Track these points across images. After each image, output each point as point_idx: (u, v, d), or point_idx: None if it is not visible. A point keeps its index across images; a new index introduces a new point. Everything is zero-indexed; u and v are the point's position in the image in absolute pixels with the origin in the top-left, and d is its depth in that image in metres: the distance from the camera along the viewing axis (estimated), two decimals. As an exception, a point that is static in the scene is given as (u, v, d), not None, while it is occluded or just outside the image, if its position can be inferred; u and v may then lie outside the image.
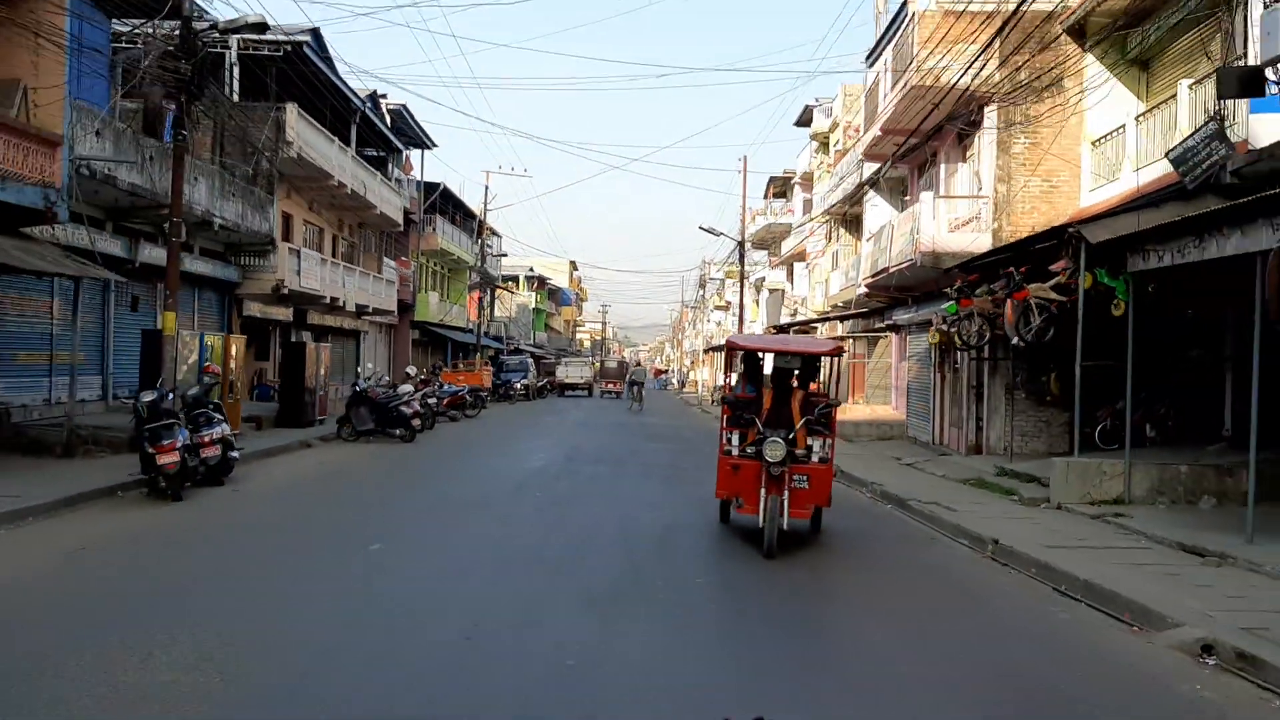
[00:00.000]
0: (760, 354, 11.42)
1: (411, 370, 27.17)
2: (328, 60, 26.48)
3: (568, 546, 9.24)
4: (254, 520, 10.55)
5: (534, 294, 75.31)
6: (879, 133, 21.82)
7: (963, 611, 7.53)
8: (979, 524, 10.63)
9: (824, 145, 38.56)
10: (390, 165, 35.94)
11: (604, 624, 6.54)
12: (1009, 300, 13.77)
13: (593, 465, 16.54)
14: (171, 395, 12.65)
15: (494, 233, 53.22)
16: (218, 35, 17.21)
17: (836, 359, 10.93)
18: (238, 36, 21.04)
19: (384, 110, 35.04)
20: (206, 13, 16.92)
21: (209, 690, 4.98)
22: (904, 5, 19.77)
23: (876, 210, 26.98)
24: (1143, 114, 15.58)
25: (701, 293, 69.76)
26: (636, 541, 9.62)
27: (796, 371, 10.47)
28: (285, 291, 24.41)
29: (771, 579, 8.16)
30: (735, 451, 9.78)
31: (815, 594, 8.03)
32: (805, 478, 9.38)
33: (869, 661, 6.10)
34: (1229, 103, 12.48)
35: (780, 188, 50.01)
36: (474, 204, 47.79)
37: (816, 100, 40.16)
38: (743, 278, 43.02)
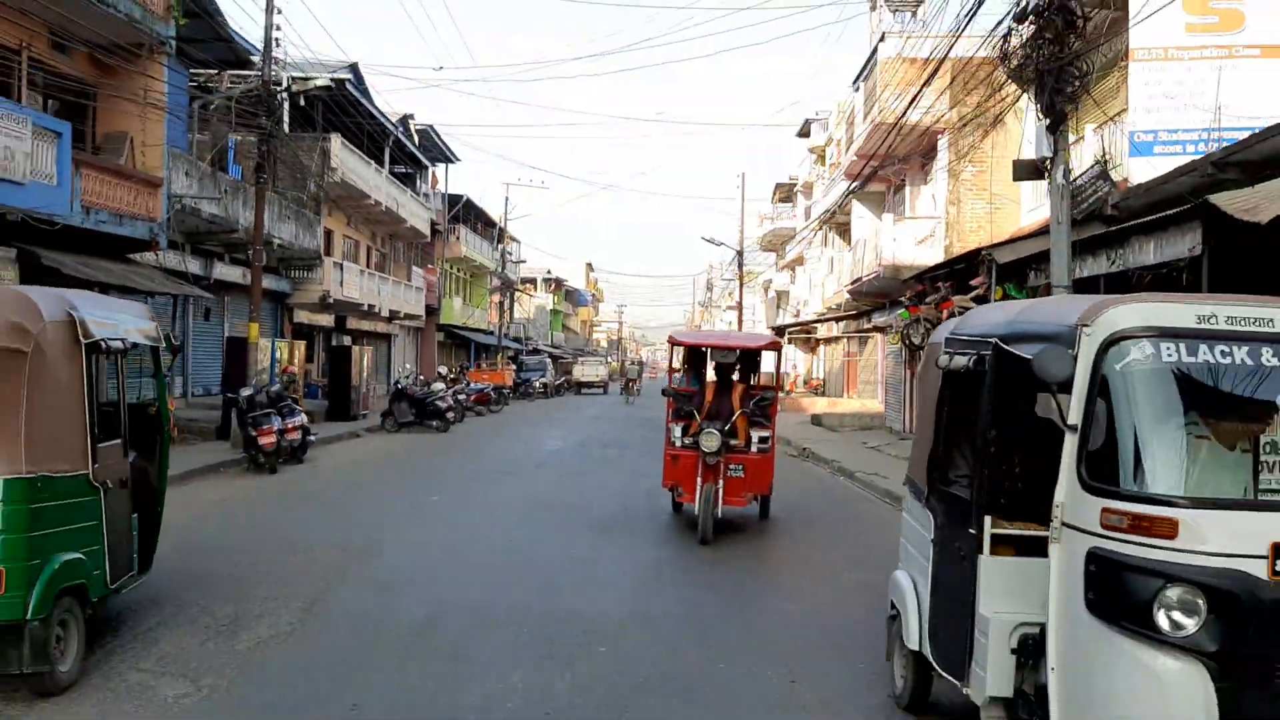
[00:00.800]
0: (703, 349, 11.73)
1: (442, 370, 30.49)
2: (364, 91, 29.78)
3: (578, 498, 12.44)
4: (339, 483, 13.81)
5: (551, 295, 78.59)
6: (854, 157, 24.91)
7: (844, 519, 10.69)
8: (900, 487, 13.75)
9: (821, 158, 41.63)
10: (418, 180, 39.30)
11: (600, 538, 9.77)
12: (940, 308, 16.86)
13: (601, 449, 19.71)
14: (260, 390, 15.92)
15: (513, 239, 56.57)
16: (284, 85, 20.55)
17: (776, 353, 12.03)
18: (289, 75, 24.41)
19: (412, 130, 38.34)
20: (281, 72, 20.15)
21: (393, 557, 8.21)
22: (874, 52, 22.85)
23: (861, 221, 30.01)
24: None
25: (709, 295, 72.93)
26: (629, 496, 12.79)
27: (738, 366, 10.96)
28: (330, 300, 27.74)
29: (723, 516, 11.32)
30: (678, 443, 10.25)
31: (751, 519, 11.12)
32: (741, 467, 9.88)
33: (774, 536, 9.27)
34: (1113, 148, 15.60)
35: (785, 193, 53.02)
36: (494, 211, 51.13)
37: (816, 113, 43.22)
38: (741, 283, 46.23)
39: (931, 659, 4.66)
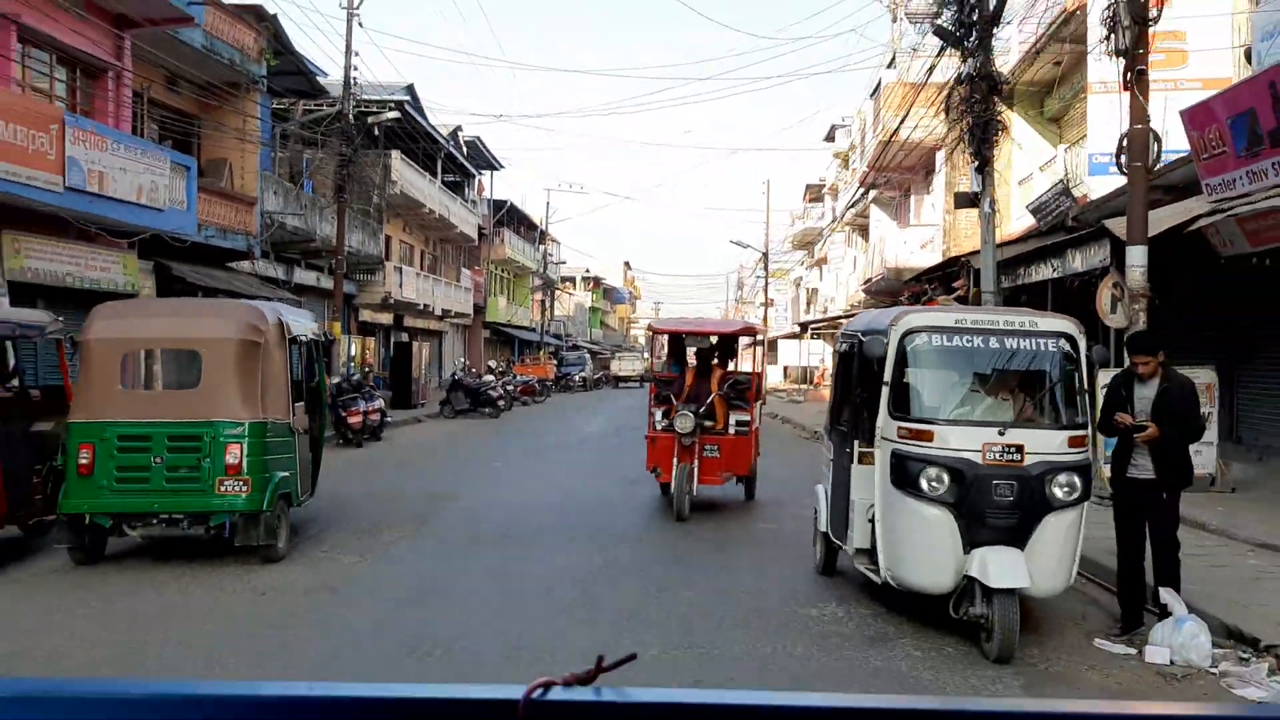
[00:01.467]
0: (683, 336, 12.30)
1: (492, 364, 33.54)
2: (419, 109, 32.80)
3: (613, 463, 15.29)
4: (414, 454, 16.77)
5: (590, 293, 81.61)
6: (865, 168, 27.50)
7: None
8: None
9: (845, 162, 44.12)
10: (466, 188, 42.36)
11: (629, 487, 12.60)
12: (927, 305, 19.44)
13: (633, 431, 22.43)
14: (345, 379, 18.95)
15: (554, 239, 59.58)
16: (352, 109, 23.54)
17: (753, 338, 12.95)
18: (361, 107, 27.44)
19: (461, 141, 41.38)
20: (352, 99, 23.18)
21: (470, 500, 11.09)
22: (880, 81, 25.45)
23: (878, 224, 32.59)
24: (1044, 165, 21.12)
25: (740, 293, 75.65)
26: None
27: (716, 352, 11.53)
28: (390, 301, 30.83)
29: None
30: (659, 426, 10.79)
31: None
32: (716, 447, 10.39)
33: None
34: (1075, 166, 18.13)
35: (815, 194, 55.52)
36: (535, 214, 54.15)
37: (842, 119, 45.69)
38: (767, 282, 48.83)
39: (831, 534, 7.40)
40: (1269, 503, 10.42)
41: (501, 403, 26.46)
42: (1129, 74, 9.04)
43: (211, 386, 7.72)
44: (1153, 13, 8.95)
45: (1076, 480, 5.92)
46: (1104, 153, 18.02)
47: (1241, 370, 14.29)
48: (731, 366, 11.95)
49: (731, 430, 10.71)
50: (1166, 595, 6.03)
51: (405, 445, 18.29)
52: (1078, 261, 14.02)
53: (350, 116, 21.39)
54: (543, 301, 54.37)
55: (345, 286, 29.67)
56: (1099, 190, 17.40)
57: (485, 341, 48.45)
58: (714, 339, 11.75)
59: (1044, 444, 5.95)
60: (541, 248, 54.75)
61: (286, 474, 8.10)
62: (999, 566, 5.69)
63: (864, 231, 37.76)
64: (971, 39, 11.25)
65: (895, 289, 26.08)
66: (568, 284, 72.47)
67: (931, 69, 14.54)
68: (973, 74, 11.34)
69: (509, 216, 49.91)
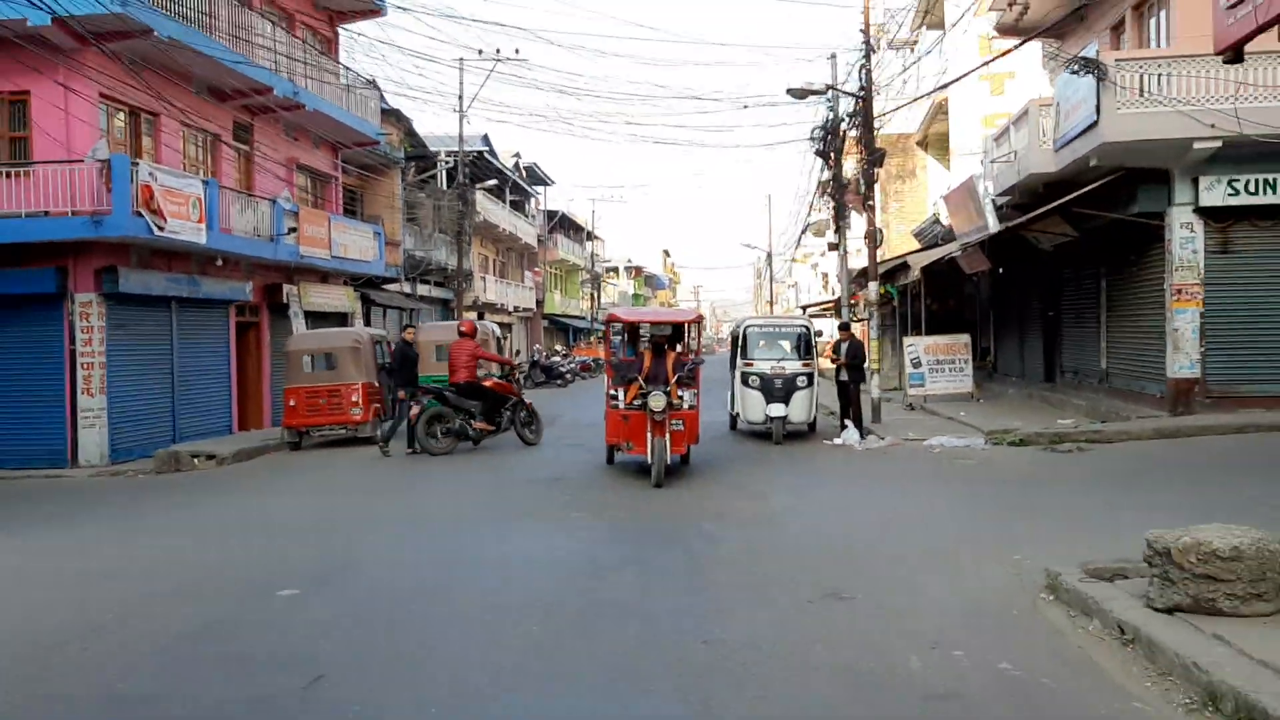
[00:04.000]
0: (638, 324, 14.94)
1: (559, 348, 44.39)
2: (493, 152, 43.60)
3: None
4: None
5: (633, 281, 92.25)
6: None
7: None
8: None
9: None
10: (525, 205, 53.18)
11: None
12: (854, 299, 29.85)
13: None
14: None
15: (597, 238, 70.32)
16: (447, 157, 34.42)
17: (699, 325, 15.28)
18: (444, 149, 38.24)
19: (520, 167, 52.15)
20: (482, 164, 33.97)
21: (573, 418, 21.84)
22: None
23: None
24: (939, 199, 31.31)
25: (759, 281, 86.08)
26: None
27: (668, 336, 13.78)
28: (478, 302, 41.71)
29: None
30: (621, 405, 12.41)
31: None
32: (681, 422, 12.06)
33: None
34: (942, 202, 28.48)
35: (824, 188, 65.63)
36: (580, 211, 64.86)
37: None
38: (772, 279, 59.28)
39: (730, 409, 18.00)
40: (987, 406, 20.71)
41: (569, 376, 37.22)
42: (866, 201, 19.29)
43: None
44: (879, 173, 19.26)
45: (807, 379, 16.46)
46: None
47: (1027, 331, 24.74)
48: (679, 349, 13.96)
49: (685, 407, 12.36)
50: (848, 421, 16.55)
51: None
52: (909, 278, 24.46)
53: (462, 179, 32.15)
54: (591, 294, 65.18)
55: (444, 294, 40.58)
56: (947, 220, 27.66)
57: (544, 330, 59.31)
58: (669, 328, 14.09)
59: (794, 366, 16.50)
60: (589, 245, 65.52)
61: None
62: (776, 409, 16.25)
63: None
64: (830, 157, 21.53)
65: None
66: (611, 274, 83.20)
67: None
68: (833, 178, 21.61)
69: (560, 223, 60.72)
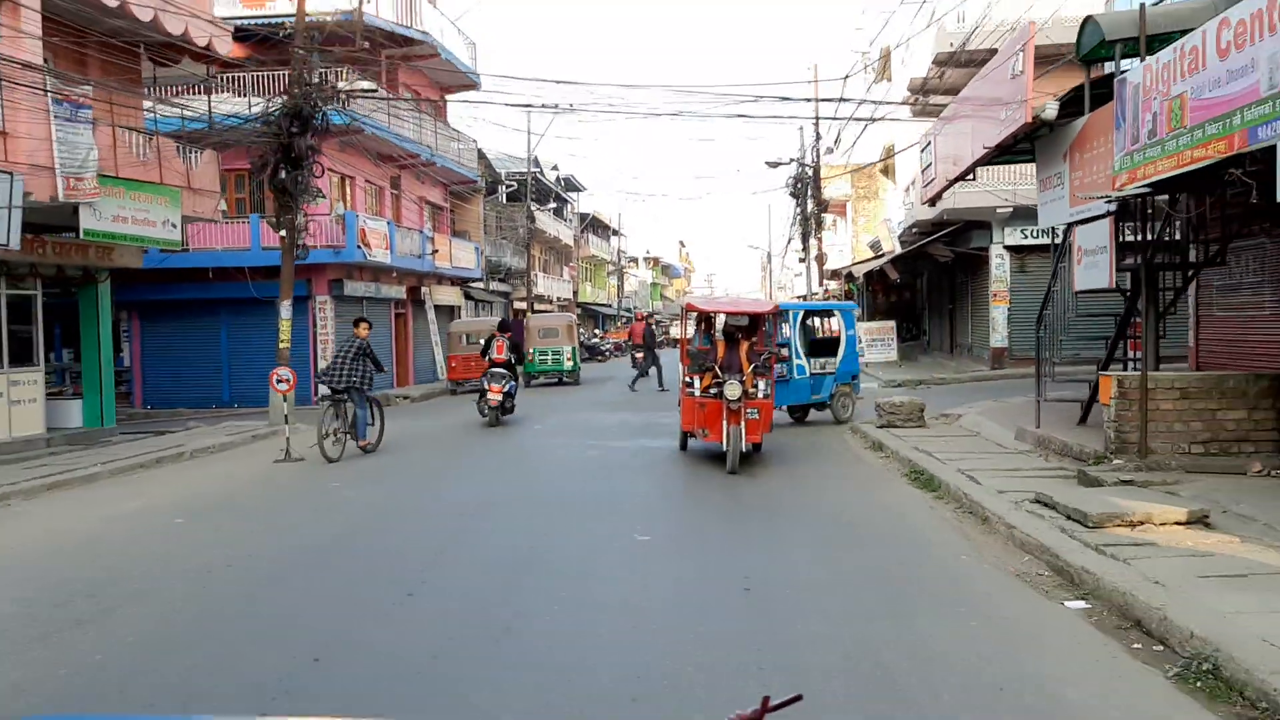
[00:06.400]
0: (714, 314, 15.50)
1: (597, 331, 55.34)
2: (540, 170, 54.38)
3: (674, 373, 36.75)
4: (596, 373, 38.45)
5: (651, 271, 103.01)
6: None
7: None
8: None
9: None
10: (564, 210, 63.98)
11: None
12: (826, 295, 40.67)
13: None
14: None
15: (621, 234, 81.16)
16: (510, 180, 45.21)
17: (775, 317, 15.94)
18: (505, 172, 49.01)
19: (560, 178, 62.87)
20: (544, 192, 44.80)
21: (619, 379, 32.70)
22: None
23: (842, 223, 53.49)
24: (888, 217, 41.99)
25: (765, 276, 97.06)
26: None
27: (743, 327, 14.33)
28: (534, 296, 52.56)
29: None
30: (697, 393, 12.86)
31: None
32: (756, 411, 12.48)
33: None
34: (892, 220, 39.31)
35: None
36: (602, 210, 75.60)
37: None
38: (771, 276, 69.89)
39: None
40: (904, 368, 31.37)
41: (606, 353, 48.10)
42: (812, 236, 29.91)
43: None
44: (829, 220, 29.90)
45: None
46: (899, 221, 39.12)
47: (942, 316, 35.61)
48: (754, 339, 14.00)
49: (760, 395, 12.70)
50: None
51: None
52: (858, 279, 35.15)
53: (529, 208, 42.98)
54: (617, 285, 76.06)
55: (505, 288, 51.39)
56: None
57: (578, 317, 70.14)
58: (744, 318, 14.50)
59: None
60: (615, 240, 76.33)
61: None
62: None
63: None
64: (798, 199, 32.10)
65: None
66: (632, 264, 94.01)
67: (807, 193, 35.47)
68: (802, 214, 32.15)
69: (590, 224, 71.51)
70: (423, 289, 33.91)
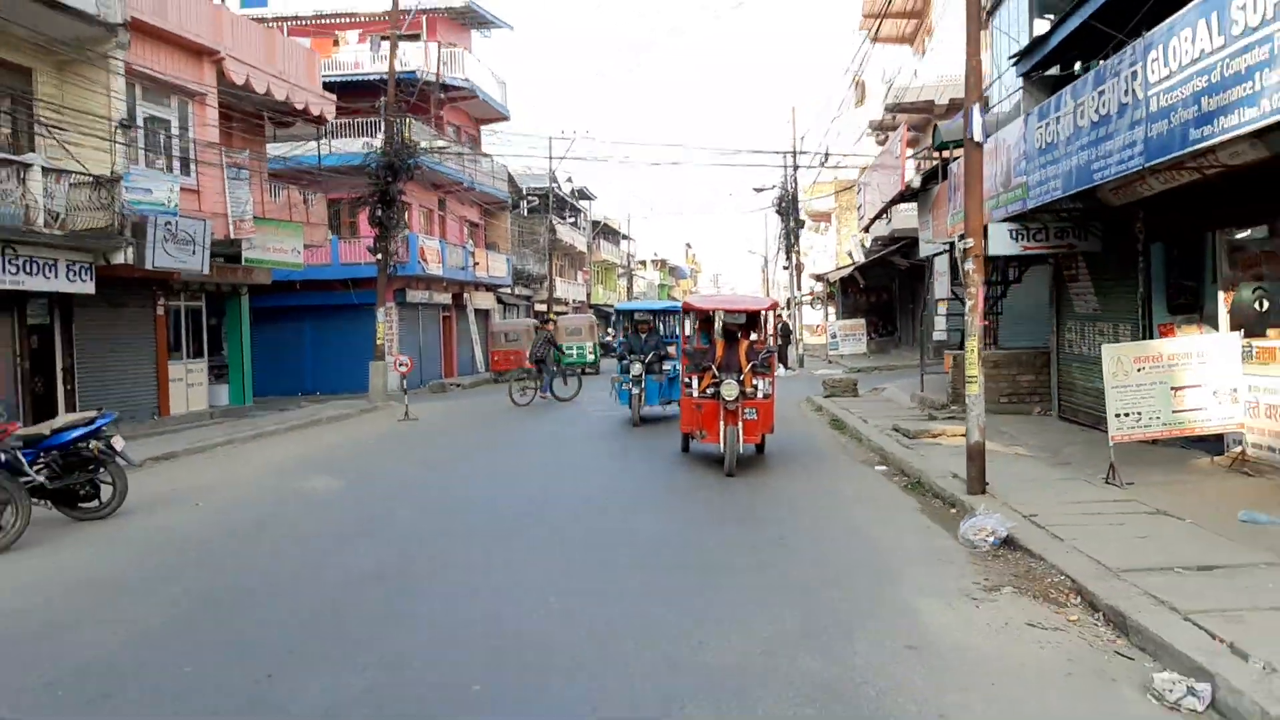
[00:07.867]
0: (712, 312, 14.93)
1: (609, 330, 61.80)
2: (557, 184, 60.75)
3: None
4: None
5: (658, 272, 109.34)
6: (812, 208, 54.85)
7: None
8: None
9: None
10: (577, 219, 70.41)
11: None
12: (812, 295, 46.97)
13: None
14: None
15: (629, 238, 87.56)
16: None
17: (774, 313, 15.75)
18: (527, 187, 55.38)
19: (574, 189, 69.26)
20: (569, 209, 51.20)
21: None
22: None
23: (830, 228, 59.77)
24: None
25: (765, 274, 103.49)
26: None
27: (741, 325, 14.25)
28: (553, 299, 58.96)
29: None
30: (695, 393, 12.57)
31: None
32: (754, 411, 12.32)
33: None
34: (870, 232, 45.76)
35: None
36: (612, 215, 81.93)
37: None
38: (768, 281, 76.21)
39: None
40: (871, 359, 37.68)
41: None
42: (789, 251, 36.17)
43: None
44: (814, 225, 36.17)
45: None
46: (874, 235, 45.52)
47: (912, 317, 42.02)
48: (755, 337, 14.29)
49: (759, 395, 12.57)
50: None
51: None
52: (835, 283, 41.46)
53: (550, 221, 49.41)
54: (627, 287, 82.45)
55: (527, 292, 57.75)
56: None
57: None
58: (743, 316, 14.28)
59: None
60: (624, 245, 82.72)
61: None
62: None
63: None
64: (783, 216, 38.31)
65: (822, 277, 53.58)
66: (640, 265, 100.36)
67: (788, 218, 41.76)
68: (786, 230, 38.38)
69: (601, 230, 77.90)
70: (464, 295, 40.36)
